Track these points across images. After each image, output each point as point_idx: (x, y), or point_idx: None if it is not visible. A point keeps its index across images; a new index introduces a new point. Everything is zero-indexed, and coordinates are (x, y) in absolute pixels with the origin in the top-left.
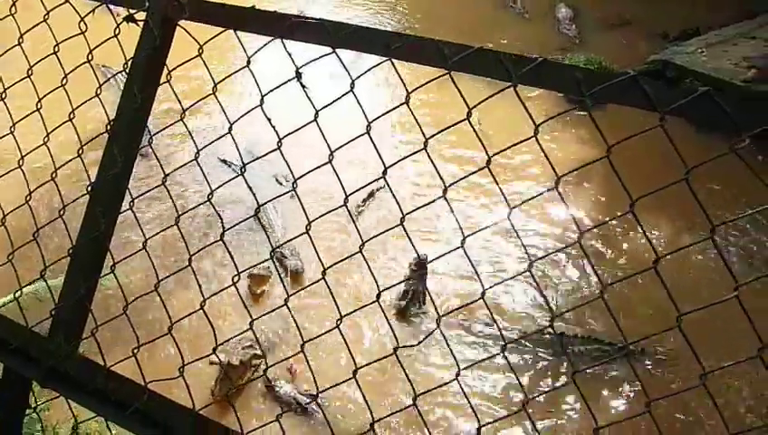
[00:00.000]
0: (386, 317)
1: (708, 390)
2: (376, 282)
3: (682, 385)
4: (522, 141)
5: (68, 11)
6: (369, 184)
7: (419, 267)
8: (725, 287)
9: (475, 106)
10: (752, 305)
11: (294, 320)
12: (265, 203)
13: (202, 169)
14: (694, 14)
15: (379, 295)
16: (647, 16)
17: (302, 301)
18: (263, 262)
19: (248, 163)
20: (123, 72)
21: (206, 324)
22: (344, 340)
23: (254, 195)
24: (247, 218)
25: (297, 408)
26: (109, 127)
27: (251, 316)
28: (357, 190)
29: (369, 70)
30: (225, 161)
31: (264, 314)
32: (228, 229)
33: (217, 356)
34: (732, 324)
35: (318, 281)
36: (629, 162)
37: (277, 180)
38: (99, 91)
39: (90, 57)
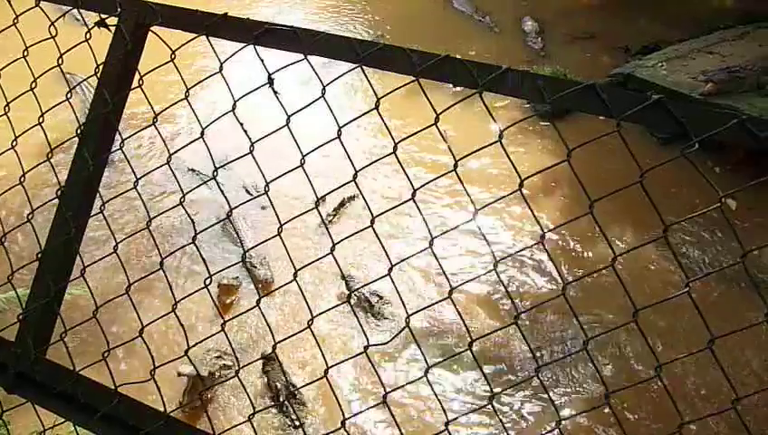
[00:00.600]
0: (357, 318)
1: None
2: (347, 283)
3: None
4: (487, 145)
5: (29, 19)
6: (341, 186)
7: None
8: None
9: (442, 111)
10: (706, 304)
11: (266, 320)
12: (237, 205)
13: (174, 174)
14: (654, 29)
15: (349, 296)
16: (610, 31)
17: (270, 314)
18: (228, 267)
19: (219, 167)
20: (87, 80)
21: (173, 334)
22: (316, 341)
23: (226, 199)
24: (217, 223)
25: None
26: (79, 131)
27: (222, 318)
28: (329, 193)
29: (339, 77)
30: (193, 170)
31: (232, 318)
32: (199, 233)
33: (191, 361)
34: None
35: (290, 282)
36: (592, 174)
37: (247, 190)
38: (69, 96)
39: (60, 62)
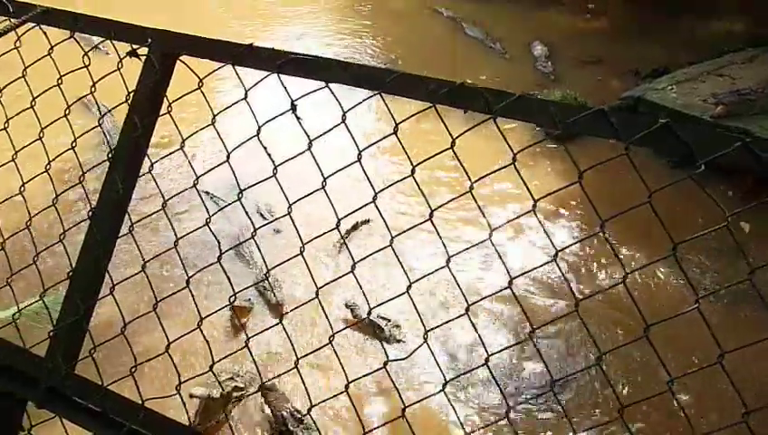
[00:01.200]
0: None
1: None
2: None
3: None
4: (501, 168)
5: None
6: (361, 208)
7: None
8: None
9: (459, 136)
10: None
11: (290, 339)
12: (256, 229)
13: (201, 196)
14: (663, 52)
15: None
16: (618, 55)
17: (276, 338)
18: (241, 290)
19: (244, 189)
20: (110, 109)
21: (191, 355)
22: (337, 356)
23: (251, 220)
24: (230, 249)
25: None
26: (109, 155)
27: (247, 335)
28: (350, 214)
29: (360, 103)
30: (207, 193)
31: (256, 335)
32: (224, 253)
33: (216, 376)
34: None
35: (312, 300)
36: (602, 196)
37: (261, 214)
38: (101, 122)
39: (93, 89)
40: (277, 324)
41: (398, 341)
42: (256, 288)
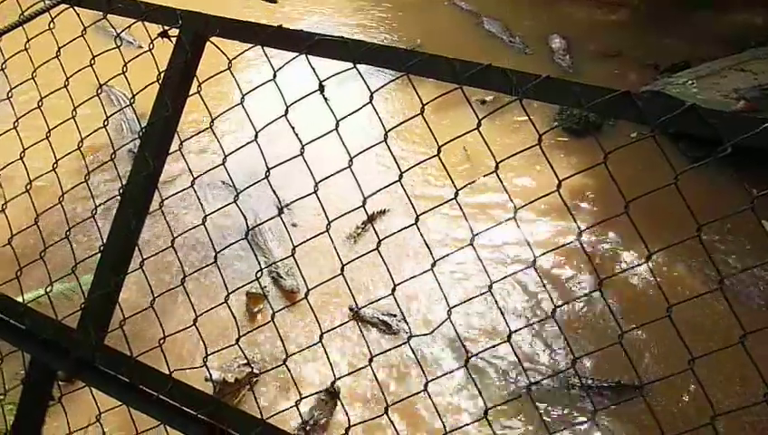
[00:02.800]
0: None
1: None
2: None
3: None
4: (527, 148)
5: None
6: (386, 186)
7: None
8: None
9: (485, 116)
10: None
11: (280, 336)
12: (263, 221)
13: (231, 180)
14: (682, 46)
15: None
16: (637, 48)
17: (297, 319)
18: (252, 282)
19: (273, 166)
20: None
21: (208, 337)
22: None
23: (280, 198)
24: (240, 240)
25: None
26: (140, 134)
27: (239, 333)
28: (374, 193)
29: (387, 84)
30: (224, 182)
31: (254, 329)
32: (235, 243)
33: (245, 353)
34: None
35: (334, 278)
36: (622, 187)
37: (277, 207)
38: (128, 103)
39: (125, 69)
40: (293, 304)
41: (407, 334)
42: (270, 276)
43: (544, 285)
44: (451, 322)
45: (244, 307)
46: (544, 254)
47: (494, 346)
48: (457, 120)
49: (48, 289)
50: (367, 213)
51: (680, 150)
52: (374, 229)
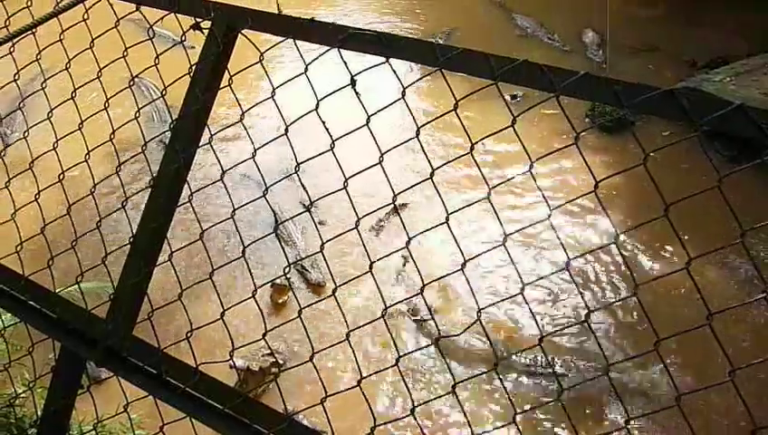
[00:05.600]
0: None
1: None
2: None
3: None
4: (564, 147)
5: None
6: (419, 183)
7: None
8: None
9: (520, 114)
10: None
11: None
12: (291, 218)
13: (259, 168)
14: (720, 42)
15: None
16: (673, 43)
17: (322, 310)
18: (280, 277)
19: (302, 161)
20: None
21: (231, 326)
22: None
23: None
24: (268, 235)
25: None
26: (171, 126)
27: (265, 327)
28: (405, 190)
29: (420, 79)
30: (246, 175)
31: (281, 324)
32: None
33: (270, 346)
34: None
35: (363, 274)
36: (652, 189)
37: (303, 204)
38: (161, 94)
39: (156, 61)
40: (321, 300)
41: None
42: (296, 269)
43: (577, 286)
44: (481, 323)
45: (268, 298)
46: (578, 257)
47: (523, 350)
48: (483, 113)
49: (79, 279)
50: (396, 207)
51: (715, 149)
52: (401, 221)
